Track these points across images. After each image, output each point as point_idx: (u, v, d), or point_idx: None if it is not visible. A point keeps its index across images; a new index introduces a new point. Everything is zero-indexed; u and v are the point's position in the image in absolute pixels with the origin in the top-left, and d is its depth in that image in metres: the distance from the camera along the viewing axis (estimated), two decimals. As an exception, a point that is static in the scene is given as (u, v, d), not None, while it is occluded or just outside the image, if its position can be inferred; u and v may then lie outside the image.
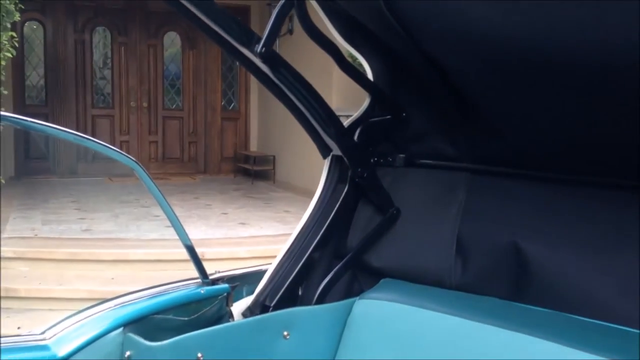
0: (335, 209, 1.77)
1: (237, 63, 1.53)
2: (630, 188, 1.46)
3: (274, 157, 10.37)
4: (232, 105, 11.47)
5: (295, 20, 1.54)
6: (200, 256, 1.74)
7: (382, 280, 1.82)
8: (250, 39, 1.45)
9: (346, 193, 1.78)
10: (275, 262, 1.75)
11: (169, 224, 1.64)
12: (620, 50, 1.17)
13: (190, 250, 1.65)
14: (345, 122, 1.76)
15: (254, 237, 6.61)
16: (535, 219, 1.62)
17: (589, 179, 1.53)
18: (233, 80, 11.33)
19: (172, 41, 11.03)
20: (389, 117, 1.79)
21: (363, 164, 1.77)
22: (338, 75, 1.59)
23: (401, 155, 1.85)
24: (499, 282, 1.63)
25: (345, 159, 1.76)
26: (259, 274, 1.81)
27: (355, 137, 1.75)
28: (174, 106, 11.18)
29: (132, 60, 10.71)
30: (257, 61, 1.48)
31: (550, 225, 1.59)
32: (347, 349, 1.69)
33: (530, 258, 1.58)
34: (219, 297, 1.70)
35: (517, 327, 1.43)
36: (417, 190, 1.85)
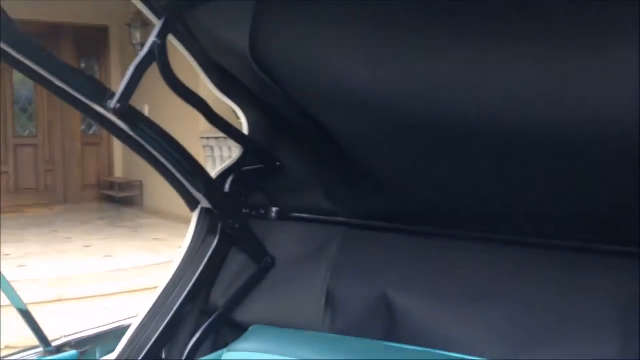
0: (205, 262, 1.67)
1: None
2: (497, 242, 1.53)
3: (140, 182, 9.92)
4: (92, 130, 10.84)
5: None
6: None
7: (251, 327, 1.70)
8: (102, 94, 1.32)
9: (216, 245, 1.69)
10: (136, 322, 1.58)
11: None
12: (493, 107, 1.21)
13: (26, 315, 1.43)
14: (214, 172, 1.67)
15: (121, 270, 6.21)
16: (406, 271, 1.63)
17: (459, 233, 1.59)
18: (93, 102, 10.73)
19: (22, 62, 10.23)
20: (262, 166, 1.74)
21: (234, 214, 1.70)
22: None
23: (275, 208, 1.81)
24: (368, 332, 1.61)
25: (215, 211, 1.65)
26: (114, 333, 1.63)
27: (227, 187, 1.67)
28: (26, 133, 10.35)
29: (-23, 83, 9.80)
30: (112, 117, 1.35)
31: (421, 276, 1.60)
32: (216, 407, 1.55)
33: (400, 308, 1.58)
34: (65, 366, 1.50)
35: None
36: (289, 242, 1.80)
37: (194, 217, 1.71)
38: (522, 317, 1.45)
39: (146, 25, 8.79)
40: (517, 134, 1.24)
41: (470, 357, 1.44)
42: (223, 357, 1.59)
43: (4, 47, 1.20)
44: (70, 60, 10.24)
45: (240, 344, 1.61)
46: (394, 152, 1.50)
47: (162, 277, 1.64)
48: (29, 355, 1.48)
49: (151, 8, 1.40)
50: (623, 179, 1.23)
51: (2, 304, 1.88)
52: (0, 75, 9.92)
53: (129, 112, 1.35)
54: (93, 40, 10.40)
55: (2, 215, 8.76)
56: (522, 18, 1.14)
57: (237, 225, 1.69)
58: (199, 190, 1.59)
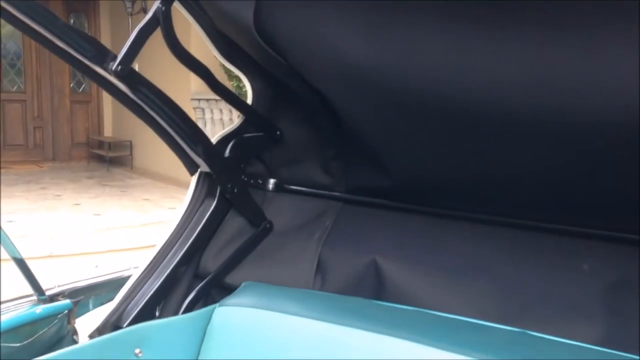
0: (202, 224, 1.68)
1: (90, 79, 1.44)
2: (485, 222, 1.57)
3: (130, 142, 9.85)
4: (82, 88, 10.71)
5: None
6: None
7: (243, 284, 1.72)
8: (103, 56, 1.33)
9: (214, 208, 1.70)
10: (132, 279, 1.60)
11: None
12: (488, 89, 1.24)
13: (20, 264, 1.44)
14: (215, 137, 1.68)
15: (110, 228, 6.22)
16: (396, 241, 1.67)
17: (451, 213, 1.63)
18: (83, 60, 10.56)
19: (10, 16, 10.02)
20: (262, 134, 1.75)
21: (233, 179, 1.71)
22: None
23: (272, 180, 1.83)
24: (356, 295, 1.65)
25: (214, 175, 1.67)
26: (107, 284, 1.64)
27: (227, 152, 1.68)
28: (14, 88, 10.21)
29: (-37, 36, 9.61)
30: (113, 79, 1.36)
31: (410, 247, 1.65)
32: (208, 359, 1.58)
33: (388, 274, 1.62)
34: (59, 315, 1.51)
35: (381, 328, 1.41)
36: (284, 213, 1.83)
37: (193, 180, 1.72)
38: (506, 292, 1.48)
39: (138, -19, 8.63)
40: (508, 116, 1.27)
41: (458, 317, 1.47)
42: (215, 312, 1.61)
43: (5, 6, 1.20)
44: (59, 15, 10.03)
45: (232, 299, 1.63)
46: (390, 128, 1.52)
47: (160, 236, 1.66)
48: (22, 303, 1.49)
49: None
50: (610, 165, 1.26)
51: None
52: (-12, 28, 9.74)
53: (130, 75, 1.35)
54: (83, -4, 10.21)
55: (-10, 171, 8.73)
56: (521, 2, 1.15)
57: (235, 190, 1.70)
58: (198, 155, 1.60)
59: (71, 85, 10.56)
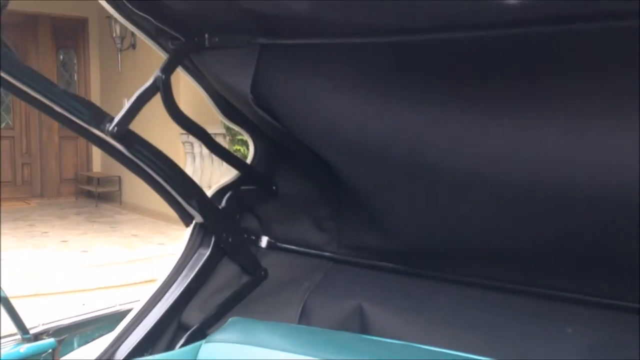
0: (195, 272, 1.71)
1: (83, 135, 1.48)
2: (469, 284, 1.61)
3: (119, 177, 9.82)
4: (71, 124, 10.70)
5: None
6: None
7: (230, 319, 1.71)
8: (100, 118, 1.38)
9: (208, 257, 1.73)
10: (120, 326, 1.61)
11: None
12: (476, 160, 1.32)
13: (5, 302, 1.43)
14: (211, 190, 1.74)
15: (97, 265, 6.16)
16: (383, 291, 1.71)
17: (438, 275, 1.68)
18: (72, 96, 10.58)
19: (-1, 53, 10.07)
20: (258, 187, 1.82)
21: (228, 229, 1.74)
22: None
23: (265, 237, 1.87)
24: None
25: (208, 226, 1.72)
26: (92, 322, 1.63)
27: (223, 203, 1.74)
28: (3, 124, 10.19)
29: (-48, 73, 9.61)
30: (109, 139, 1.41)
31: (396, 297, 1.70)
32: (194, 397, 1.56)
33: (373, 318, 1.66)
34: (43, 354, 1.50)
35: None
36: (275, 268, 1.86)
37: (188, 230, 1.74)
38: (488, 345, 1.51)
39: (128, 19, 8.72)
40: (497, 186, 1.35)
41: (443, 350, 1.47)
42: (202, 348, 1.59)
43: (4, 75, 1.24)
44: (48, 51, 10.11)
45: (219, 335, 1.62)
46: (385, 193, 1.60)
47: (147, 273, 1.66)
48: (6, 342, 1.48)
49: (159, 44, 1.51)
50: (594, 235, 1.32)
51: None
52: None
53: (126, 135, 1.39)
54: (72, 32, 10.28)
55: (-23, 209, 8.65)
56: (510, 78, 1.22)
57: (230, 239, 1.73)
58: (193, 208, 1.64)
59: (60, 121, 10.56)
